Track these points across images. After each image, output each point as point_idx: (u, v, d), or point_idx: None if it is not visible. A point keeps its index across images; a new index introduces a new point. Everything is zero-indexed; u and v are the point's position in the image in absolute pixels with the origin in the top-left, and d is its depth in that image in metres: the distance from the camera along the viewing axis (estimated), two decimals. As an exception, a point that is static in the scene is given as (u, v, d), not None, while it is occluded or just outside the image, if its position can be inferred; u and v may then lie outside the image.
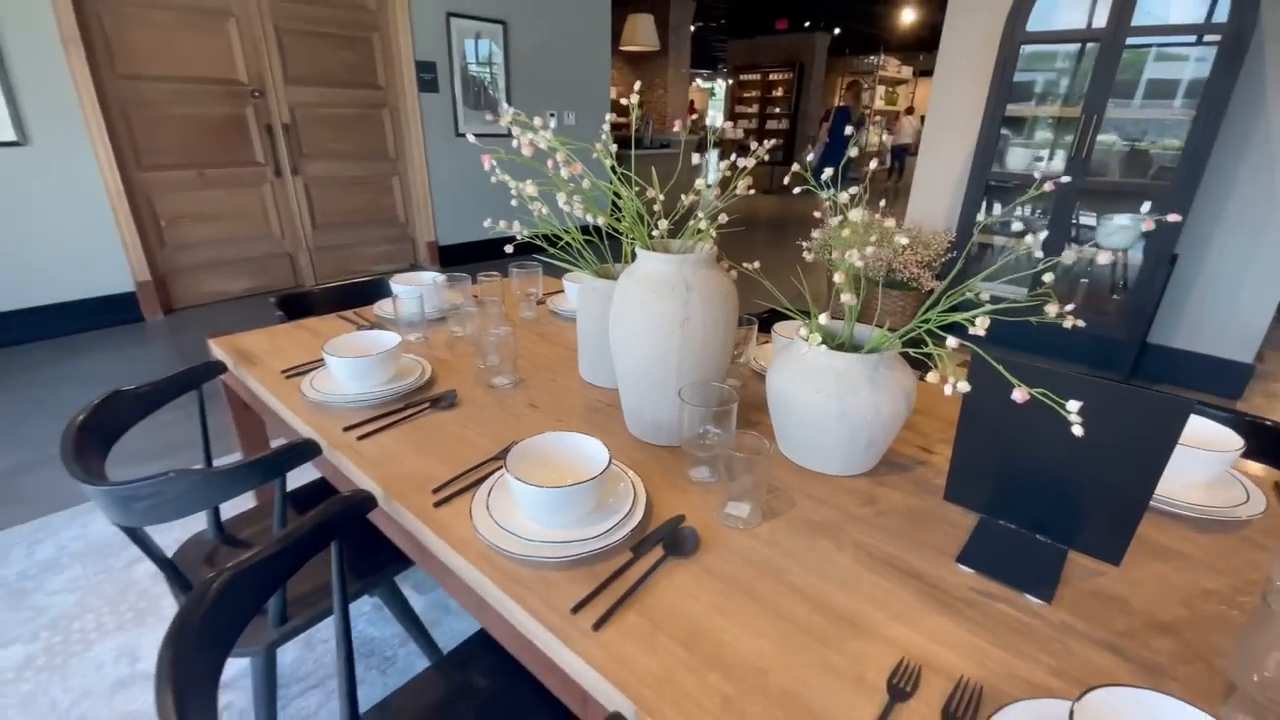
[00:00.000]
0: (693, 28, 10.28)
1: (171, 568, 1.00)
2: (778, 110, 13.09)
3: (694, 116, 12.57)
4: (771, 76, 13.22)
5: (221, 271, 3.93)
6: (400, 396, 1.13)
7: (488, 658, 0.96)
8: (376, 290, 1.75)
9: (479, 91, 4.71)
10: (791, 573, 0.73)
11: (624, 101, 1.34)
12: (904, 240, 1.22)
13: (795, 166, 0.93)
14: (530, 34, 4.87)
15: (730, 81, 14.28)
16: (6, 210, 3.07)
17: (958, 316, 0.82)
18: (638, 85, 1.11)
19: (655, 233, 1.01)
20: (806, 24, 12.42)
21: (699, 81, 19.45)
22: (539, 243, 1.16)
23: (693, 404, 0.89)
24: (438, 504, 0.85)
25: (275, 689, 1.10)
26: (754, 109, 13.65)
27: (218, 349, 1.32)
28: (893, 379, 0.86)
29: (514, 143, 1.01)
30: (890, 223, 0.97)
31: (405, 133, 4.50)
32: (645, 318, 0.92)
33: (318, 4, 3.87)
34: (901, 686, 0.58)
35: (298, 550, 0.74)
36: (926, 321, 0.84)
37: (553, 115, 5.23)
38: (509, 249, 1.19)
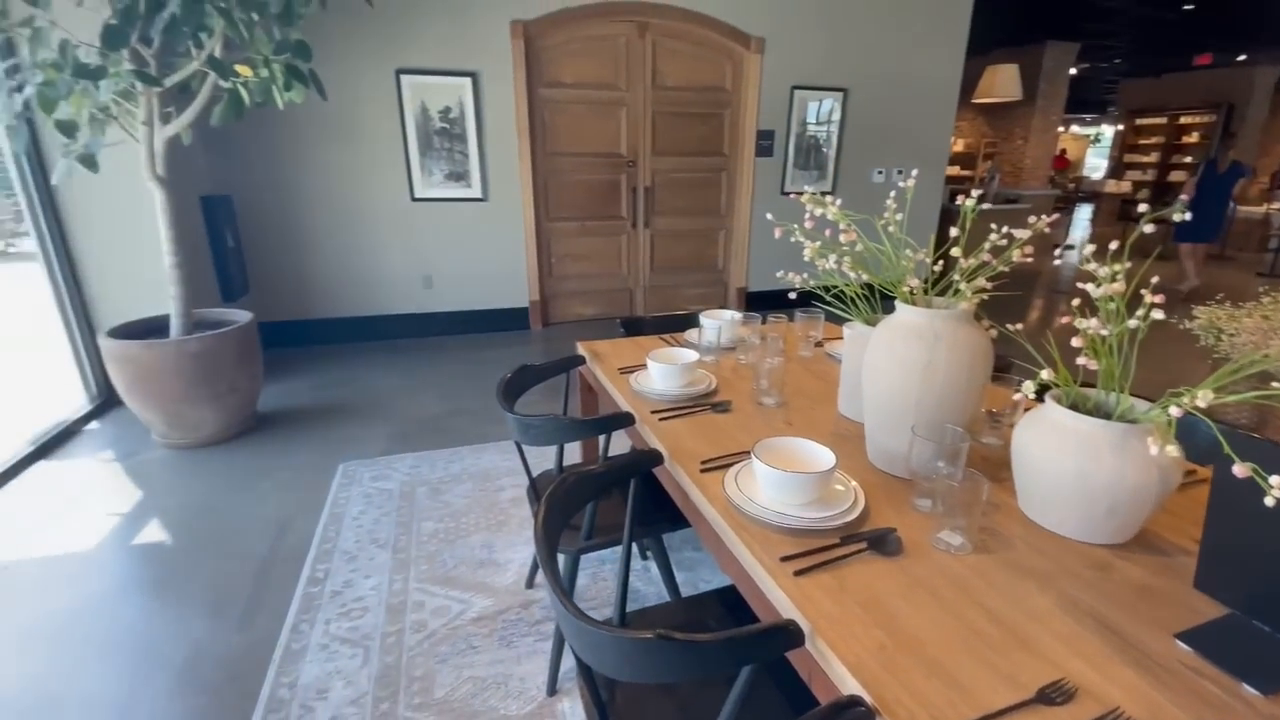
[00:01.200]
0: (1074, 70, 9.15)
1: (531, 484, 1.52)
2: (1189, 159, 10.67)
3: (1063, 169, 11.04)
4: (1183, 120, 10.87)
5: (582, 299, 5.06)
6: (691, 398, 1.48)
7: (715, 604, 1.22)
8: (690, 321, 2.19)
9: (810, 152, 5.11)
10: (983, 594, 0.82)
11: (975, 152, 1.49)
12: None
13: (1145, 224, 0.89)
14: (870, 96, 5.11)
15: (1120, 127, 12.16)
16: (474, 242, 4.54)
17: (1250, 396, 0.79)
18: (988, 141, 1.27)
19: (913, 289, 1.16)
20: (1242, 57, 9.90)
21: (1075, 128, 16.91)
22: (821, 293, 1.40)
23: (923, 438, 1.02)
24: (703, 470, 1.15)
25: (574, 584, 1.53)
26: (1151, 158, 11.38)
27: (581, 348, 1.89)
28: (1142, 449, 0.86)
29: (816, 211, 1.27)
30: None
31: (737, 192, 5.14)
32: (892, 358, 1.09)
33: (688, 90, 4.77)
34: (1051, 696, 0.65)
35: (610, 476, 1.12)
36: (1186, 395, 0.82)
37: (880, 172, 5.34)
38: (791, 295, 1.46)
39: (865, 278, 1.24)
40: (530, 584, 1.90)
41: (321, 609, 1.83)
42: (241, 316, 2.99)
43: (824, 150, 5.16)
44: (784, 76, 4.87)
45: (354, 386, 3.64)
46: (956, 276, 1.09)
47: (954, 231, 1.07)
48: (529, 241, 4.67)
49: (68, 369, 3.22)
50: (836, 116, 5.10)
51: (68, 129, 2.40)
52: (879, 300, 1.37)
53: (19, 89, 2.33)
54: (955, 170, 9.76)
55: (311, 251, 4.28)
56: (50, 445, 2.83)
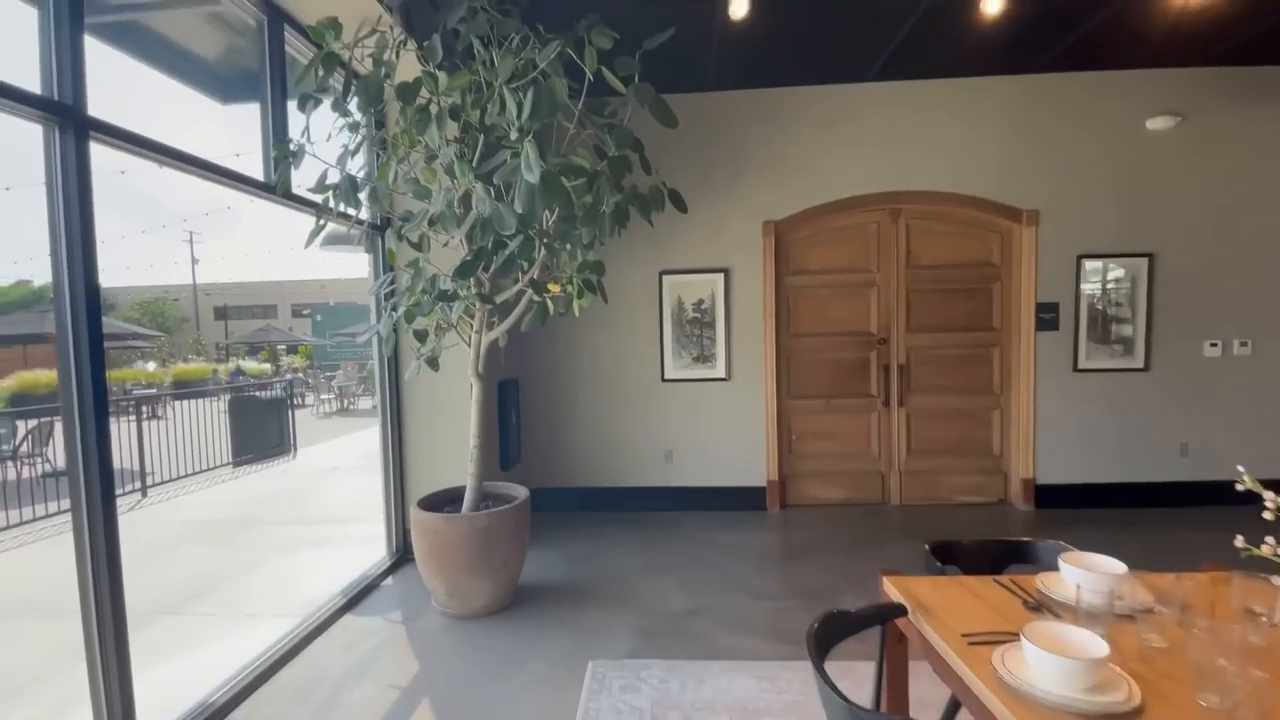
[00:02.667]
0: None
1: None
2: None
3: None
4: None
5: (824, 480, 4.68)
6: (1106, 716, 1.03)
7: None
8: (1020, 553, 1.75)
9: (1107, 324, 4.38)
10: None
11: None
12: None
13: None
14: (1185, 260, 4.31)
15: None
16: (714, 420, 4.58)
17: None
18: None
19: None
20: None
21: None
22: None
23: None
24: None
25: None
26: None
27: (893, 588, 1.54)
28: None
29: None
30: None
31: (1013, 369, 4.53)
32: None
33: (948, 267, 4.53)
34: None
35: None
36: None
37: (1214, 344, 4.32)
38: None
39: None
40: None
41: None
42: (519, 493, 3.24)
43: (1127, 322, 4.37)
44: (1066, 246, 4.38)
45: (600, 563, 3.65)
46: None
47: None
48: (769, 419, 4.56)
49: (378, 525, 3.77)
50: (1142, 284, 4.35)
51: (421, 337, 2.99)
52: None
53: (394, 309, 3.00)
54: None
55: (573, 425, 4.67)
56: (356, 598, 3.22)
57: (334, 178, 2.59)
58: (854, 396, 4.65)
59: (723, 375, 4.54)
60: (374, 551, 3.81)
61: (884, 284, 4.58)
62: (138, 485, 6.12)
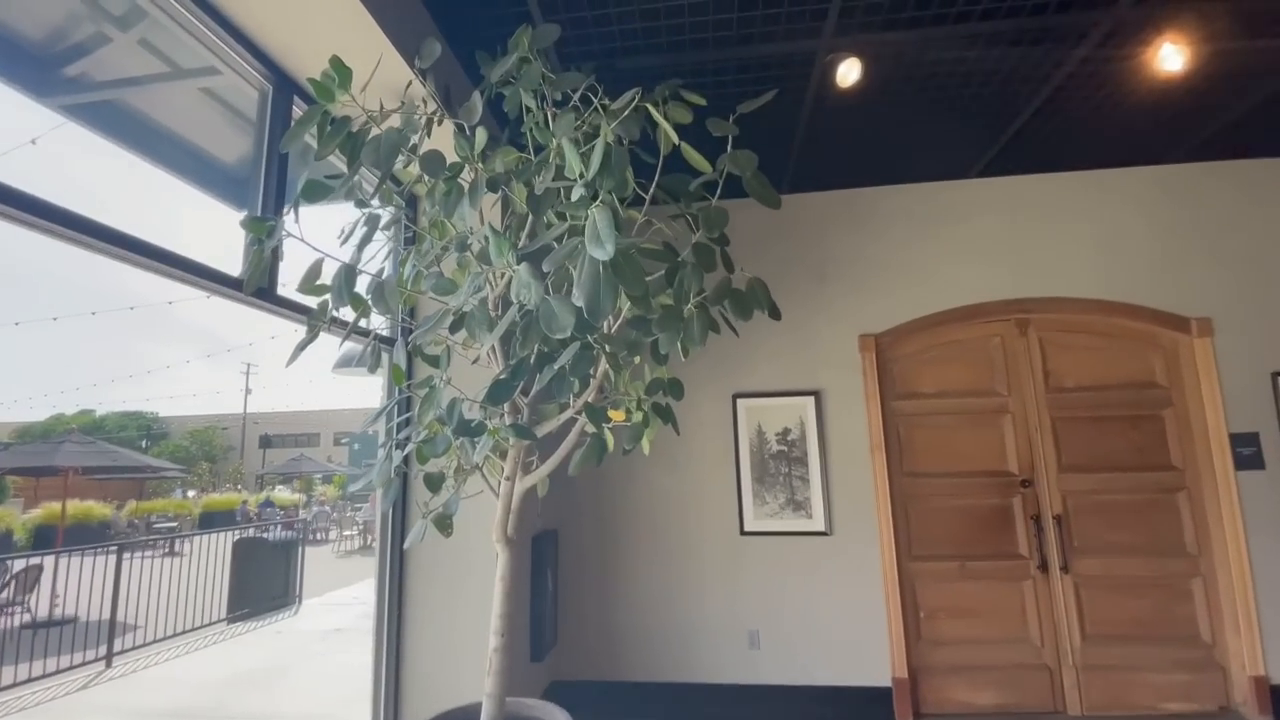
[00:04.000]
0: None
1: None
2: None
3: None
4: None
5: (970, 678, 3.43)
6: None
7: None
8: None
9: (1331, 465, 3.28)
10: None
11: None
12: None
13: None
14: None
15: None
16: (813, 588, 3.48)
17: None
18: None
19: None
20: None
21: None
22: None
23: None
24: None
25: None
26: None
27: None
28: None
29: None
30: None
31: (1210, 522, 3.39)
32: None
33: (1097, 389, 3.58)
34: None
35: None
36: None
37: None
38: None
39: None
40: None
41: None
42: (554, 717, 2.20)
43: (1377, 459, 3.27)
44: (1256, 360, 3.43)
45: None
46: None
47: None
48: (889, 590, 3.44)
49: (363, 751, 2.70)
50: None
51: (435, 483, 2.16)
52: None
53: (401, 445, 2.21)
54: None
55: (625, 592, 3.63)
56: None
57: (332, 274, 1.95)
58: (997, 558, 3.53)
59: (821, 528, 3.52)
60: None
61: (1019, 410, 3.64)
62: (103, 652, 5.14)
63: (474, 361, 2.28)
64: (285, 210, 1.85)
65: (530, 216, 1.94)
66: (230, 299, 1.96)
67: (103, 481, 17.82)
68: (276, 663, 5.02)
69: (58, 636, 5.70)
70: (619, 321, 2.03)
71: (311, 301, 2.01)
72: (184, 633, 6.10)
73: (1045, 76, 2.84)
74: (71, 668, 4.87)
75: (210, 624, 6.45)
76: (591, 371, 1.99)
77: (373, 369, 2.14)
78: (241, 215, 2.02)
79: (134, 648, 5.56)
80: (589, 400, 2.05)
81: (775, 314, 2.03)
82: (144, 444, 32.73)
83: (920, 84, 2.86)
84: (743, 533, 3.58)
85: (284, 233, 1.82)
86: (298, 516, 12.88)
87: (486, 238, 1.72)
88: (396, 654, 2.72)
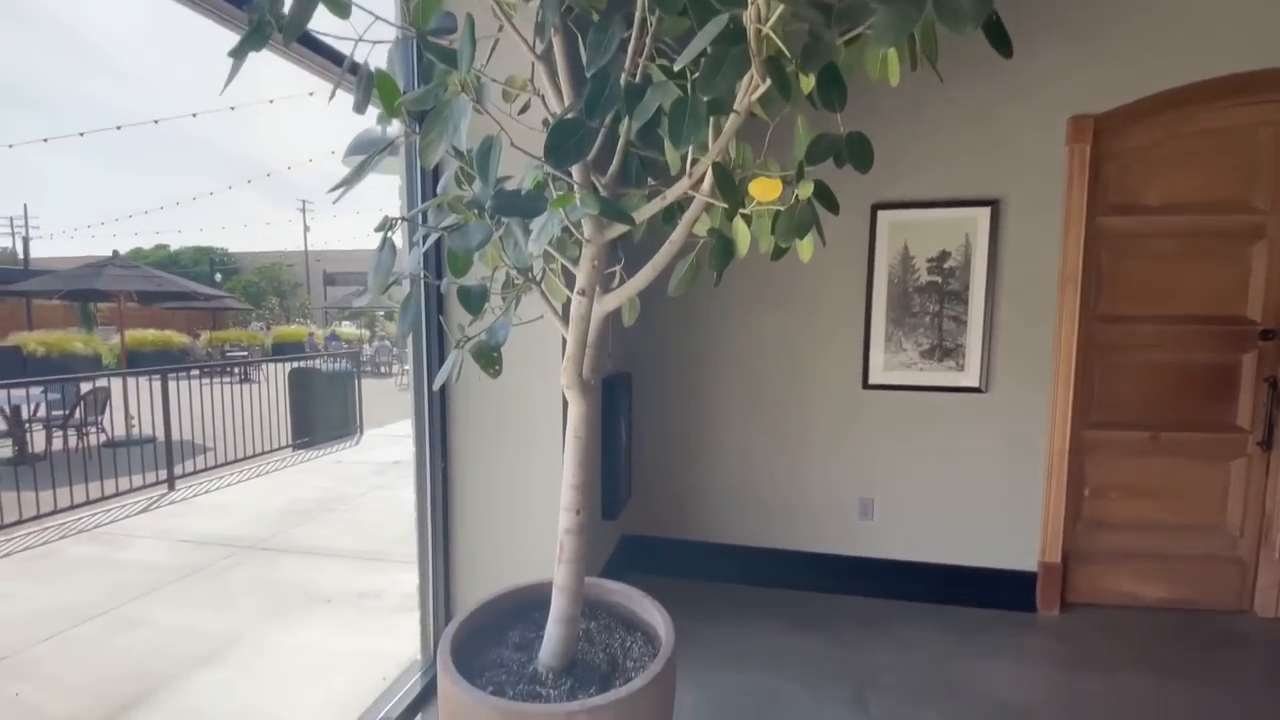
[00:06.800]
0: None
1: None
2: None
3: None
4: None
5: (1137, 568, 2.78)
6: None
7: None
8: None
9: None
10: None
11: None
12: None
13: None
14: None
15: None
16: (951, 454, 2.79)
17: None
18: None
19: None
20: None
21: None
22: None
23: None
24: None
25: None
26: None
27: None
28: None
29: None
30: None
31: None
32: None
33: None
34: None
35: None
36: None
37: None
38: None
39: None
40: None
41: None
42: (649, 616, 1.64)
43: None
44: None
45: (762, 701, 2.00)
46: None
47: None
48: (1054, 461, 2.70)
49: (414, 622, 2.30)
50: None
51: (473, 301, 1.40)
52: None
53: (424, 239, 1.43)
54: None
55: (709, 448, 3.03)
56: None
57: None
58: (1205, 429, 2.69)
59: (974, 383, 2.72)
60: (404, 650, 2.37)
61: (1277, 235, 2.57)
62: (164, 475, 5.10)
63: (523, 107, 1.44)
64: None
65: None
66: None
67: (177, 311, 18.55)
68: (334, 494, 4.88)
69: (137, 455, 5.76)
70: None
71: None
72: (252, 457, 6.13)
73: None
74: (133, 489, 4.85)
75: (275, 450, 6.47)
76: (731, 107, 1.11)
77: (360, 105, 1.28)
78: None
79: (204, 469, 5.59)
80: (719, 162, 1.18)
81: (1006, 49, 1.03)
82: (217, 278, 33.99)
83: None
84: (866, 385, 2.82)
85: None
86: (360, 350, 13.03)
87: None
88: (444, 512, 2.20)
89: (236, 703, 2.20)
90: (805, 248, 1.29)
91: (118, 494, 4.69)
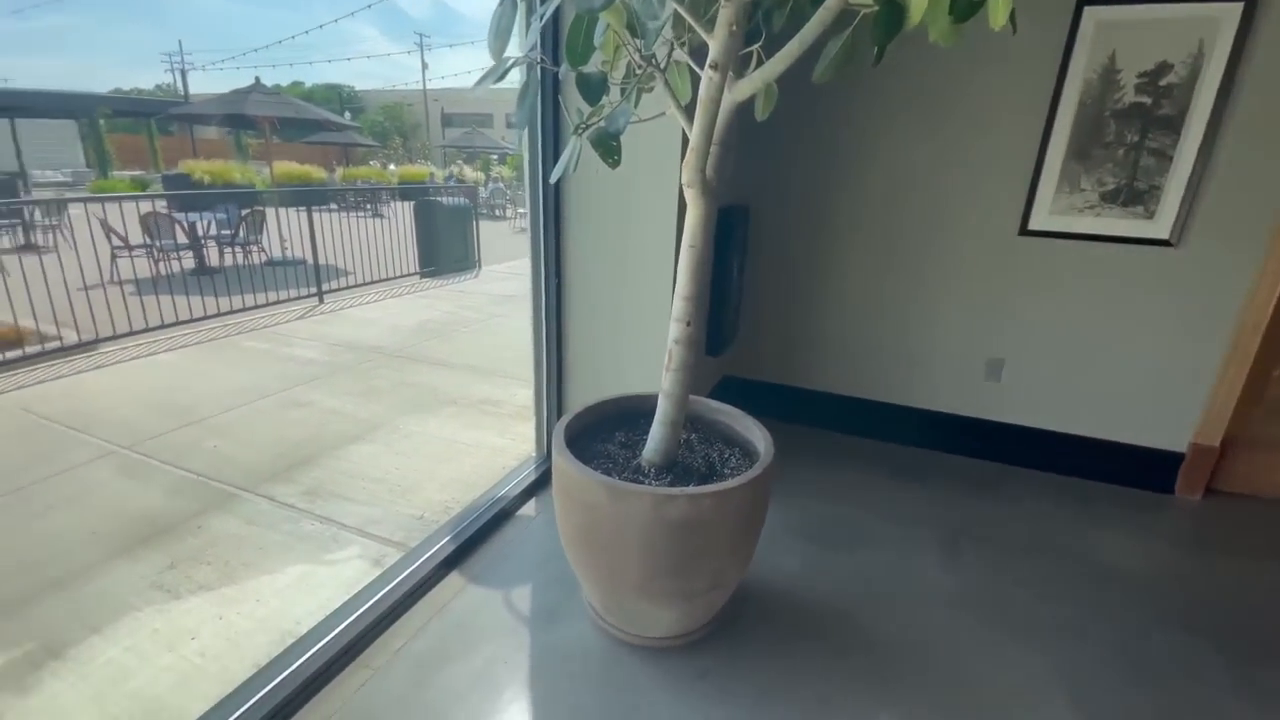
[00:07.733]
0: None
1: None
2: None
3: None
4: None
5: (1319, 460, 2.42)
6: None
7: None
8: None
9: None
10: None
11: None
12: None
13: None
14: None
15: None
16: (1114, 317, 2.45)
17: None
18: None
19: None
20: None
21: None
22: None
23: None
24: None
25: None
26: None
27: None
28: None
29: None
30: None
31: None
32: None
33: None
34: None
35: None
36: None
37: None
38: None
39: None
40: None
41: None
42: (750, 434, 1.64)
43: None
44: None
45: (869, 558, 2.04)
46: None
47: None
48: (1246, 333, 2.30)
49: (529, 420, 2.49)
50: None
51: (592, 89, 1.29)
52: None
53: (542, 15, 1.30)
54: None
55: (827, 291, 2.86)
56: (475, 538, 2.02)
57: None
58: None
59: (1163, 234, 2.29)
60: (518, 448, 2.60)
61: None
62: (314, 290, 5.70)
63: None
64: None
65: None
66: None
67: (313, 145, 19.65)
68: (458, 318, 5.25)
69: (290, 274, 6.48)
70: None
71: None
72: (385, 280, 6.68)
73: None
74: (290, 300, 5.50)
75: (405, 275, 6.99)
76: None
77: None
78: None
79: (346, 288, 6.18)
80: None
81: None
82: (346, 115, 35.31)
83: None
84: (1023, 231, 2.47)
85: None
86: (477, 191, 13.36)
87: None
88: (557, 317, 2.28)
89: (380, 470, 2.56)
90: (999, 10, 1.03)
91: (280, 302, 5.36)
